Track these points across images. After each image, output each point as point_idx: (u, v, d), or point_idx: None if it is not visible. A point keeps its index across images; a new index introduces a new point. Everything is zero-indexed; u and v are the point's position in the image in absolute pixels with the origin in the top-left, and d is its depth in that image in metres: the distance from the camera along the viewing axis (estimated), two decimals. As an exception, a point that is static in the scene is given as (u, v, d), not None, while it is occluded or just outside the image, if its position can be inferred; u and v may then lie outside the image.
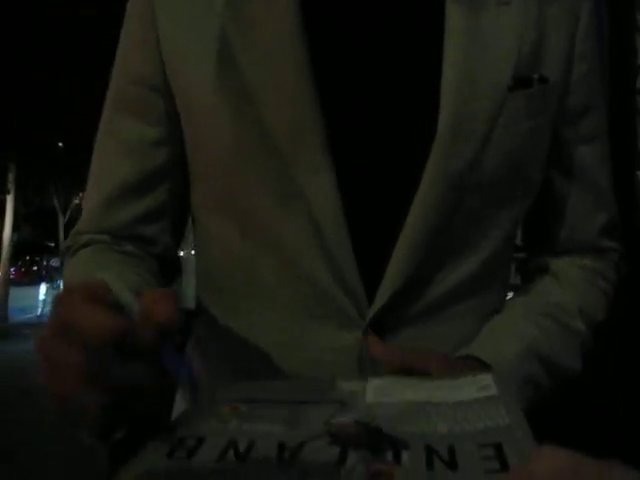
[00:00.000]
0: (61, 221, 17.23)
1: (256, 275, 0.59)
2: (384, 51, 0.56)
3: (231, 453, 0.34)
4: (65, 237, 0.87)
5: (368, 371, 0.55)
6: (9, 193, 12.49)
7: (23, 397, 5.22)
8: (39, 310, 13.14)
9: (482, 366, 0.53)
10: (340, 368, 0.56)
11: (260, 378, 0.56)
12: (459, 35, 0.55)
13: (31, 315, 13.16)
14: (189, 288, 0.77)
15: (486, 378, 0.42)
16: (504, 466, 0.31)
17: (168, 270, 0.66)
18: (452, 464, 0.32)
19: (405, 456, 0.33)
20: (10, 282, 13.71)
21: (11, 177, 12.38)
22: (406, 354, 0.50)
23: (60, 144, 12.55)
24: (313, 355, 0.57)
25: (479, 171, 0.55)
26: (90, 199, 0.65)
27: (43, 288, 13.70)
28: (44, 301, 13.15)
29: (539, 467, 0.25)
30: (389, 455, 0.33)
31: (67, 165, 12.32)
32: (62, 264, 0.66)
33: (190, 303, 0.70)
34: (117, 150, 0.64)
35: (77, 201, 17.84)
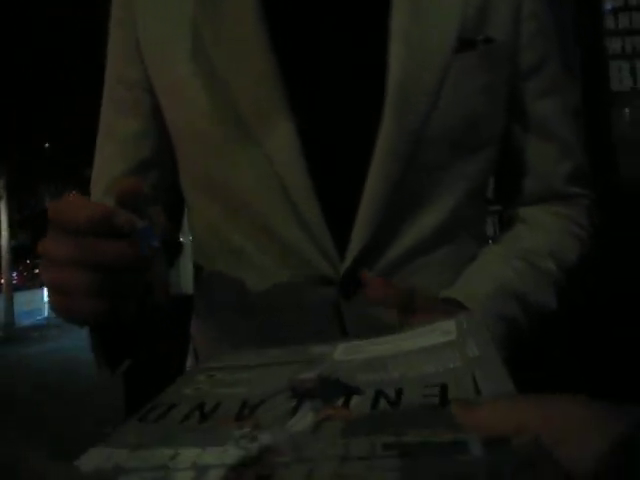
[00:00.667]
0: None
1: (236, 244, 0.63)
2: (336, 23, 0.60)
3: (196, 414, 0.37)
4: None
5: (349, 325, 0.59)
6: (1, 198, 12.46)
7: (39, 394, 5.37)
8: (45, 312, 13.18)
9: (458, 306, 0.56)
10: (321, 324, 0.60)
11: (251, 345, 0.59)
12: (404, 5, 0.59)
13: (39, 317, 13.23)
14: (187, 273, 0.82)
15: (449, 324, 0.44)
16: (443, 403, 0.32)
17: (167, 254, 0.71)
18: (396, 403, 0.34)
19: (355, 400, 0.35)
20: (13, 287, 13.77)
21: (2, 183, 12.34)
22: (391, 289, 0.51)
23: (47, 145, 12.50)
24: (295, 313, 0.61)
25: (431, 126, 0.59)
26: (92, 195, 0.70)
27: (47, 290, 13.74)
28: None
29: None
30: (340, 401, 0.35)
31: (56, 165, 12.29)
32: None
33: (189, 288, 0.75)
34: (112, 147, 0.69)
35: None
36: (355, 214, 0.58)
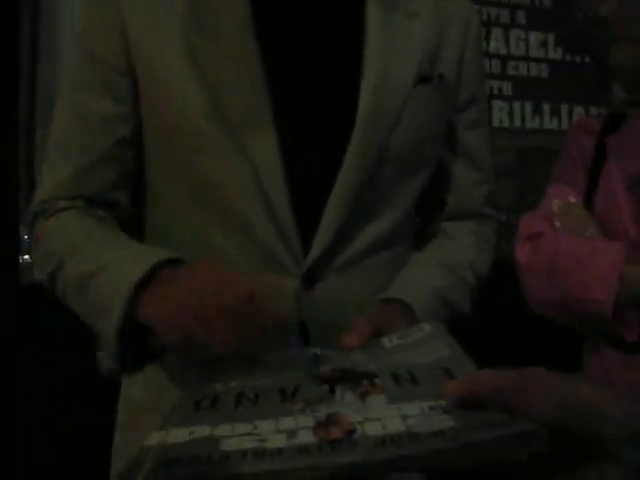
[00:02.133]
0: None
1: (206, 235, 0.68)
2: (320, 48, 0.69)
3: (244, 401, 0.42)
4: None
5: (306, 316, 0.67)
6: None
7: None
8: None
9: (403, 307, 0.66)
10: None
11: None
12: (376, 40, 0.69)
13: None
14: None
15: (425, 326, 0.53)
16: (452, 379, 0.40)
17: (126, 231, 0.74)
18: (414, 381, 0.41)
19: (378, 381, 0.42)
20: None
21: None
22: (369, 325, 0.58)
23: None
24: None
25: (391, 146, 0.69)
26: (57, 171, 0.71)
27: None
28: None
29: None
30: (365, 383, 0.42)
31: None
32: (30, 230, 0.72)
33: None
34: (82, 125, 0.70)
35: None
36: (321, 215, 0.66)
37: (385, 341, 0.53)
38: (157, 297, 0.55)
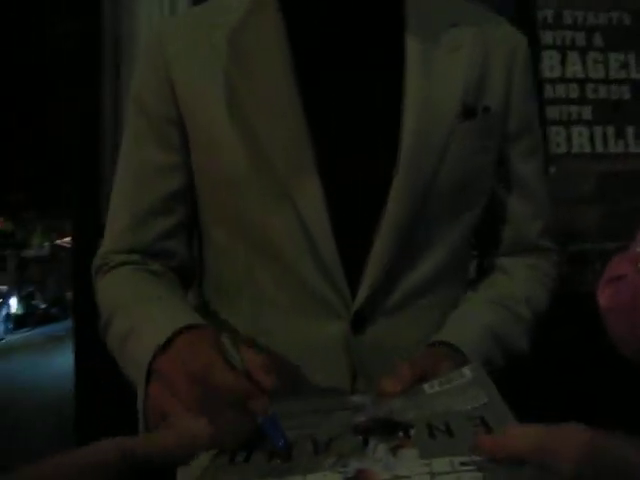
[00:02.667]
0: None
1: (256, 280, 0.69)
2: (359, 90, 0.69)
3: (277, 455, 0.42)
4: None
5: (356, 358, 0.66)
6: None
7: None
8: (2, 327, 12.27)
9: (451, 349, 0.64)
10: (331, 357, 0.66)
11: None
12: (416, 77, 0.68)
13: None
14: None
15: (466, 371, 0.52)
16: (488, 431, 0.40)
17: (186, 279, 0.77)
18: (449, 433, 0.41)
19: (412, 432, 0.42)
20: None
21: None
22: (412, 370, 0.56)
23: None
24: (307, 348, 0.67)
25: (437, 182, 0.67)
26: (116, 222, 0.75)
27: (14, 302, 12.94)
28: (16, 316, 12.09)
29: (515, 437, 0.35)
30: (400, 435, 0.42)
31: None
32: (94, 283, 0.75)
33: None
34: (139, 176, 0.73)
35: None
36: (367, 257, 0.66)
37: (426, 387, 0.52)
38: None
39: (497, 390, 0.47)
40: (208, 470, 0.42)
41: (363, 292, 0.66)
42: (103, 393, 1.63)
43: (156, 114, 0.72)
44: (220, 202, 0.71)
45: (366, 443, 0.41)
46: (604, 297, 1.00)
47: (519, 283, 0.76)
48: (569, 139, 1.97)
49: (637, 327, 0.94)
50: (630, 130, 2.01)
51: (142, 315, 0.64)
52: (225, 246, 0.72)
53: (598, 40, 2.01)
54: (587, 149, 1.97)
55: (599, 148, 1.98)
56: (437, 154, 0.67)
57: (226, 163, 0.68)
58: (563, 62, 1.99)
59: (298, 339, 0.67)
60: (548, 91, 1.97)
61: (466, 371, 0.52)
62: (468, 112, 0.69)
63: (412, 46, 0.69)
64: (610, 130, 2.00)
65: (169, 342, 0.55)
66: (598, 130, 1.99)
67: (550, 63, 1.98)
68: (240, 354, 0.51)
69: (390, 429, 0.43)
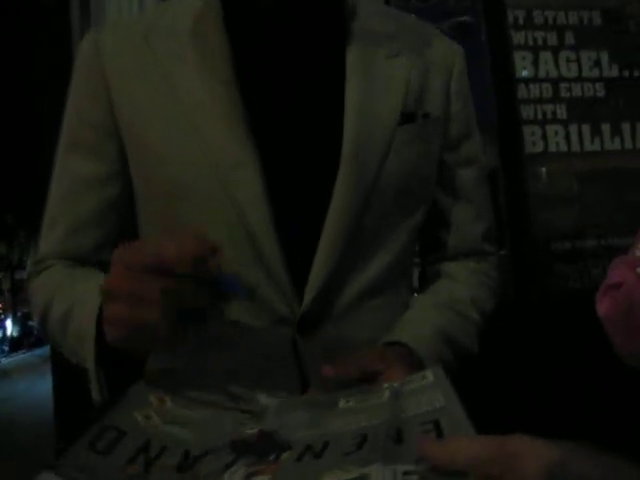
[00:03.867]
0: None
1: None
2: (302, 97, 0.69)
3: (141, 458, 0.40)
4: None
5: (304, 362, 0.65)
6: None
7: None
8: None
9: (405, 349, 0.64)
10: (279, 361, 0.66)
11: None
12: (355, 81, 0.69)
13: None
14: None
15: (428, 373, 0.52)
16: (440, 435, 0.38)
17: None
18: (319, 455, 0.39)
19: (284, 456, 0.39)
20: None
21: None
22: (356, 363, 0.58)
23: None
24: (257, 353, 0.66)
25: (378, 187, 0.67)
26: (53, 230, 0.74)
27: (9, 324, 12.73)
28: (12, 337, 11.93)
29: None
30: (272, 457, 0.40)
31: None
32: (27, 290, 0.74)
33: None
34: (73, 186, 0.72)
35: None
36: (312, 260, 0.66)
37: (341, 402, 0.50)
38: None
39: (456, 395, 0.45)
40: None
41: (309, 295, 0.66)
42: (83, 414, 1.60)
43: (91, 124, 0.71)
44: (161, 211, 0.70)
45: (233, 463, 0.39)
46: (602, 306, 1.00)
47: (465, 287, 0.76)
48: (545, 138, 1.97)
49: (634, 335, 0.94)
50: (606, 128, 2.00)
51: (81, 291, 0.63)
52: None
53: (570, 39, 2.01)
54: (563, 148, 1.97)
55: (575, 147, 1.98)
56: (378, 157, 0.67)
57: (167, 172, 0.67)
58: (536, 62, 1.99)
59: (246, 345, 0.67)
60: (522, 91, 1.97)
61: (428, 373, 0.51)
62: (408, 116, 0.70)
63: (352, 53, 0.70)
64: (585, 128, 1.99)
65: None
66: (573, 128, 1.98)
67: (523, 63, 1.98)
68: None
69: (266, 450, 0.41)
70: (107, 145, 0.71)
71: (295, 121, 0.68)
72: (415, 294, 0.78)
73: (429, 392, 0.47)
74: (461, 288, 0.76)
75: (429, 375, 0.51)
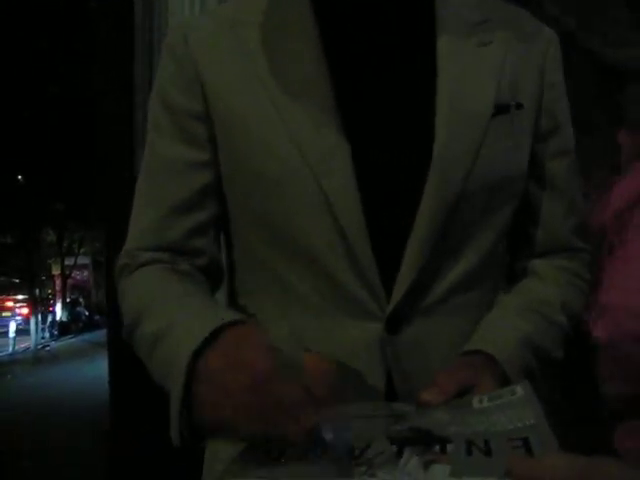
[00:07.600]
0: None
1: (286, 279, 0.67)
2: (392, 87, 0.67)
3: (312, 454, 0.43)
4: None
5: (390, 360, 0.64)
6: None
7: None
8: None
9: (488, 359, 0.63)
10: (365, 359, 0.65)
11: None
12: (447, 72, 0.67)
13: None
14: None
15: (517, 388, 0.51)
16: (529, 454, 0.39)
17: (213, 279, 0.74)
18: (487, 452, 0.40)
19: (450, 448, 0.41)
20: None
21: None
22: (453, 379, 0.58)
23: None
24: (342, 349, 0.65)
25: (471, 181, 0.65)
26: (142, 218, 0.72)
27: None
28: (61, 322, 12.44)
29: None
30: (437, 448, 0.41)
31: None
32: (117, 284, 0.73)
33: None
34: (164, 172, 0.71)
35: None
36: (402, 257, 0.64)
37: (475, 402, 0.51)
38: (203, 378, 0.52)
39: (544, 413, 0.45)
40: (236, 462, 0.43)
41: (398, 292, 0.64)
42: (138, 399, 1.63)
43: (181, 110, 0.70)
44: (251, 202, 0.69)
45: (400, 454, 0.41)
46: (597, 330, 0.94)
47: (553, 288, 0.73)
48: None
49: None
50: None
51: (176, 314, 0.61)
52: (253, 246, 0.71)
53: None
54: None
55: None
56: (472, 150, 0.66)
57: (260, 161, 0.67)
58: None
59: (330, 340, 0.66)
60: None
61: (518, 389, 0.51)
62: (501, 107, 0.67)
63: (443, 41, 0.68)
64: None
65: (214, 338, 0.52)
66: None
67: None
68: (304, 360, 0.50)
69: (427, 442, 0.42)
70: (199, 131, 0.70)
71: (386, 111, 0.66)
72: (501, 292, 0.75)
73: (519, 408, 0.47)
74: (549, 288, 0.73)
75: (519, 390, 0.51)
